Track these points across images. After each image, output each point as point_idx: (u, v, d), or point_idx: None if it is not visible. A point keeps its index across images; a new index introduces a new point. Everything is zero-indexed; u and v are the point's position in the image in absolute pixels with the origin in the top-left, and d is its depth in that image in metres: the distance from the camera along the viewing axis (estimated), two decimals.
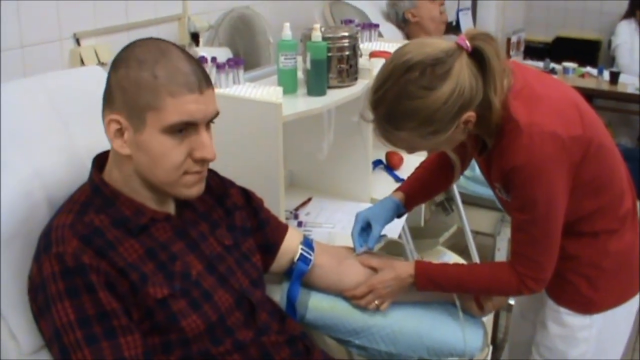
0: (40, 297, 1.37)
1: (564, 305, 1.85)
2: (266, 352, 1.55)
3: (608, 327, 1.86)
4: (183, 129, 1.42)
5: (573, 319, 1.85)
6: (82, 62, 2.49)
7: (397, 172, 2.97)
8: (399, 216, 2.02)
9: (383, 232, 1.96)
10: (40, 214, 1.51)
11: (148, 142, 1.41)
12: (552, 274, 1.71)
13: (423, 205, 3.37)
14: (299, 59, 2.38)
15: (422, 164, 2.08)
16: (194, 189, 1.50)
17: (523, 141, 1.57)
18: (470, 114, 1.57)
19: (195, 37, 3.00)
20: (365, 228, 1.94)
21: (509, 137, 1.60)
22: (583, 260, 1.76)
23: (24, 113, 1.61)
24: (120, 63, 1.43)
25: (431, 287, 1.78)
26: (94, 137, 1.59)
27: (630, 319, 1.92)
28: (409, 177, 2.08)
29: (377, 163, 2.99)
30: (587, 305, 1.83)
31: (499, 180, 1.69)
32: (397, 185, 2.86)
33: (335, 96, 2.33)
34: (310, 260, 1.80)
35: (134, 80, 1.39)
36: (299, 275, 1.80)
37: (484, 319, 1.92)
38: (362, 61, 2.57)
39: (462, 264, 1.92)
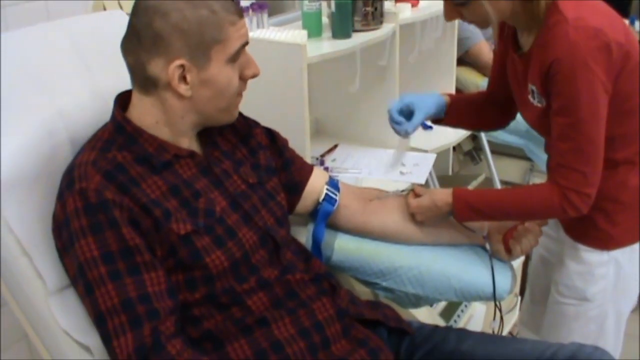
0: (64, 234, 1.37)
1: (582, 242, 1.84)
2: (291, 290, 1.54)
3: (627, 264, 1.84)
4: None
5: (591, 255, 1.83)
6: None
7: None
8: (435, 122, 2.03)
9: (405, 186, 1.93)
10: (64, 154, 1.51)
11: (214, 76, 1.45)
12: None
13: (451, 155, 3.36)
14: (324, 4, 2.35)
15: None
16: (237, 110, 1.59)
17: (569, 33, 1.57)
18: None
19: None
20: (404, 111, 1.91)
21: (553, 30, 1.60)
22: (601, 193, 1.70)
23: (48, 56, 1.62)
24: (164, 9, 1.40)
25: (470, 214, 1.76)
26: (116, 79, 1.58)
27: None
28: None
29: None
30: (605, 240, 1.81)
31: (537, 79, 1.67)
32: (425, 131, 2.86)
33: (361, 39, 2.31)
34: (335, 200, 1.79)
35: (194, 21, 1.40)
36: (324, 215, 1.78)
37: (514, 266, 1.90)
38: (388, 5, 2.53)
39: (501, 189, 1.90)
